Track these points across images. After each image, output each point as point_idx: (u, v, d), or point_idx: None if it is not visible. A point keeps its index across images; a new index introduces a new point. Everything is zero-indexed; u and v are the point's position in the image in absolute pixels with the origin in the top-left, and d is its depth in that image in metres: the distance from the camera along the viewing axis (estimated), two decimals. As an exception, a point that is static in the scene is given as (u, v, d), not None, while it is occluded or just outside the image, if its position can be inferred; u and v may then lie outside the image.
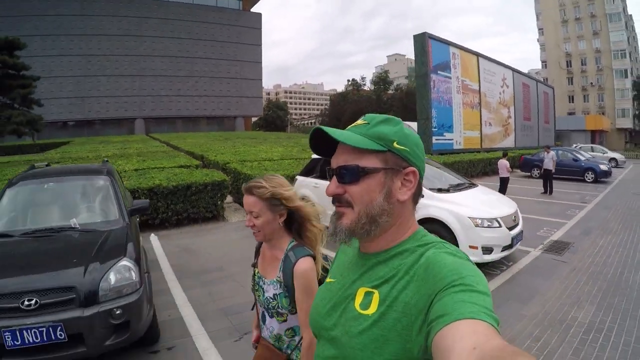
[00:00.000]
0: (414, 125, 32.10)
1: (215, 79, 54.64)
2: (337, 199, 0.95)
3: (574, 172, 18.01)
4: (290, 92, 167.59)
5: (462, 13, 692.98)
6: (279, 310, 1.69)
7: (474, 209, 5.56)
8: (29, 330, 2.72)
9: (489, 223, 5.37)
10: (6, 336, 2.69)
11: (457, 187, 6.55)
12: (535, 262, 6.13)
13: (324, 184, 7.22)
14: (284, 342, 1.72)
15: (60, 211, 4.26)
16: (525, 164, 19.45)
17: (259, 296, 1.79)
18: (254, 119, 68.39)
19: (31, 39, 38.75)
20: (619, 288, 4.99)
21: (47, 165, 5.73)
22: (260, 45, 59.34)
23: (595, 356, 3.40)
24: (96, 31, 47.57)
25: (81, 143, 30.62)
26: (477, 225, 5.29)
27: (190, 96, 53.00)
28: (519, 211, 6.27)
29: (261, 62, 59.79)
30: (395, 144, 0.92)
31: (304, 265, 1.62)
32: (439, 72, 18.24)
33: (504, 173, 12.77)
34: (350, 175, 0.92)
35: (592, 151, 27.08)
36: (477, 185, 6.97)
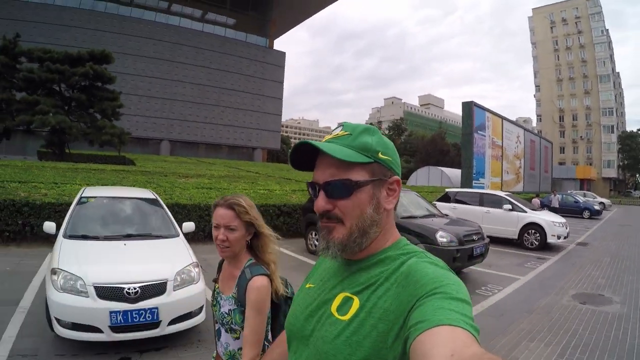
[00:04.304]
0: (447, 170, 40.01)
1: (240, 110, 61.84)
2: (327, 216, 0.97)
3: (574, 210, 26.10)
4: (286, 127, 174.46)
5: (453, 58, 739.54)
6: (232, 326, 1.81)
7: (552, 218, 12.98)
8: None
9: (559, 224, 12.72)
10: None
11: (538, 209, 14.02)
12: (575, 247, 13.53)
13: (460, 207, 14.31)
14: None
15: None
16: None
17: (215, 311, 1.92)
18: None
19: (71, 49, 40.06)
20: (617, 255, 12.29)
21: None
22: (282, 82, 67.34)
23: (611, 272, 10.61)
24: (132, 51, 53.13)
25: (144, 160, 35.17)
26: (555, 225, 12.61)
27: (215, 124, 59.77)
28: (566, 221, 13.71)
29: (281, 98, 67.64)
30: (380, 155, 0.97)
31: (258, 282, 1.75)
32: (478, 131, 25.69)
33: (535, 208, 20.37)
34: (341, 190, 0.94)
35: (585, 196, 35.31)
36: (544, 209, 14.47)
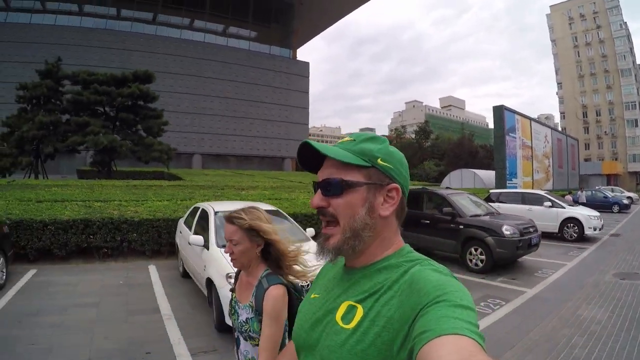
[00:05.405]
0: (479, 172, 41.48)
1: (268, 122, 64.06)
2: (322, 213, 1.04)
3: (604, 205, 27.56)
4: (310, 135, 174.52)
5: (471, 57, 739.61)
6: (251, 334, 1.87)
7: (589, 212, 14.78)
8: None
9: (594, 217, 14.47)
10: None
11: (574, 205, 15.78)
12: (609, 238, 15.27)
13: (504, 206, 16.02)
14: None
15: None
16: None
17: (234, 320, 1.98)
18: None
19: (99, 69, 38.30)
20: (647, 243, 14.11)
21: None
22: (307, 92, 69.68)
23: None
24: (160, 68, 53.98)
25: (185, 174, 36.44)
26: (591, 218, 14.36)
27: (244, 136, 62.08)
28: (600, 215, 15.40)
29: (307, 108, 69.95)
30: (379, 161, 1.01)
31: (275, 291, 1.81)
32: (510, 133, 27.18)
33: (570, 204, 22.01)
34: (334, 188, 1.00)
35: (613, 192, 36.56)
36: (579, 205, 16.22)
